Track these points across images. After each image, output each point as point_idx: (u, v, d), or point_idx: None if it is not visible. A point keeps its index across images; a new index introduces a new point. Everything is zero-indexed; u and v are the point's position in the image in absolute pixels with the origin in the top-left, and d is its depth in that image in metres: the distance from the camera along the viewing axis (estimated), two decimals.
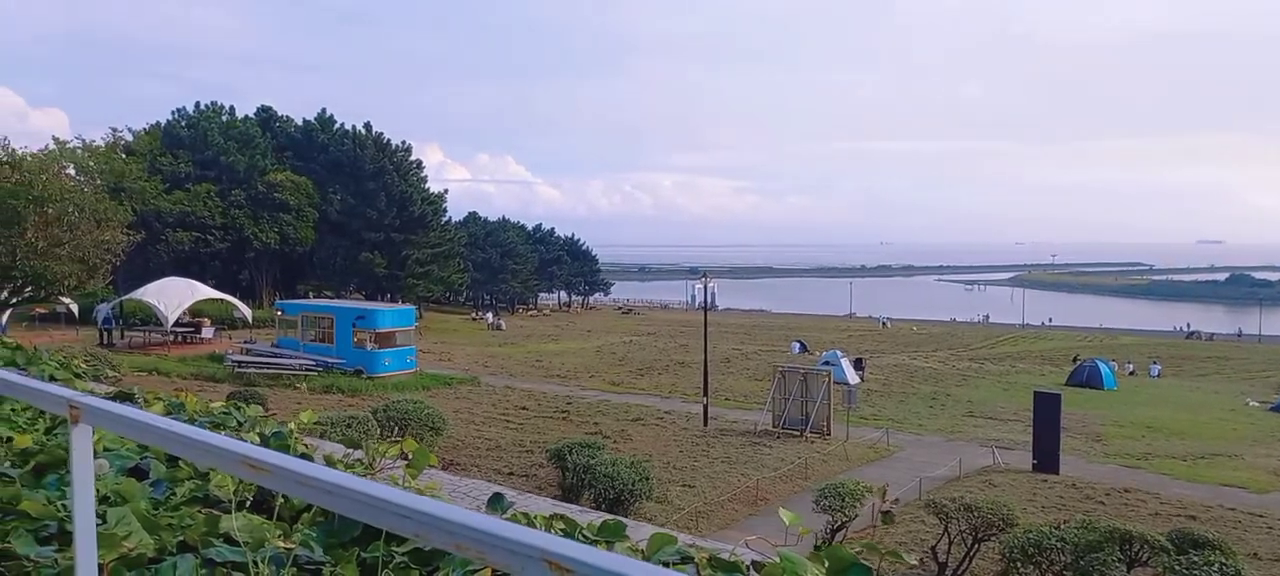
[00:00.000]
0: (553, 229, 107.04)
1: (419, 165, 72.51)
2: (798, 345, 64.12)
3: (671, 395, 38.66)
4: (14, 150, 30.18)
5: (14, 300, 33.61)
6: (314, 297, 56.86)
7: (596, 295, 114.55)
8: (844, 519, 17.80)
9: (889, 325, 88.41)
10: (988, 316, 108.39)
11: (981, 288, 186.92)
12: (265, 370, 35.66)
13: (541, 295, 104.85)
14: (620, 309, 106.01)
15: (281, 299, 50.65)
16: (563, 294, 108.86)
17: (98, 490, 3.17)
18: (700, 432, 30.31)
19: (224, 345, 41.77)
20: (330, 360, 37.20)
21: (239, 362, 36.06)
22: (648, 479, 20.19)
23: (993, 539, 16.97)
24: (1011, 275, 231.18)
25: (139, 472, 3.32)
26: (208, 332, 44.42)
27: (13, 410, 5.01)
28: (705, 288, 38.33)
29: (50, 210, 29.38)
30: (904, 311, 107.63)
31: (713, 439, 29.35)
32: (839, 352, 49.24)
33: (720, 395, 37.37)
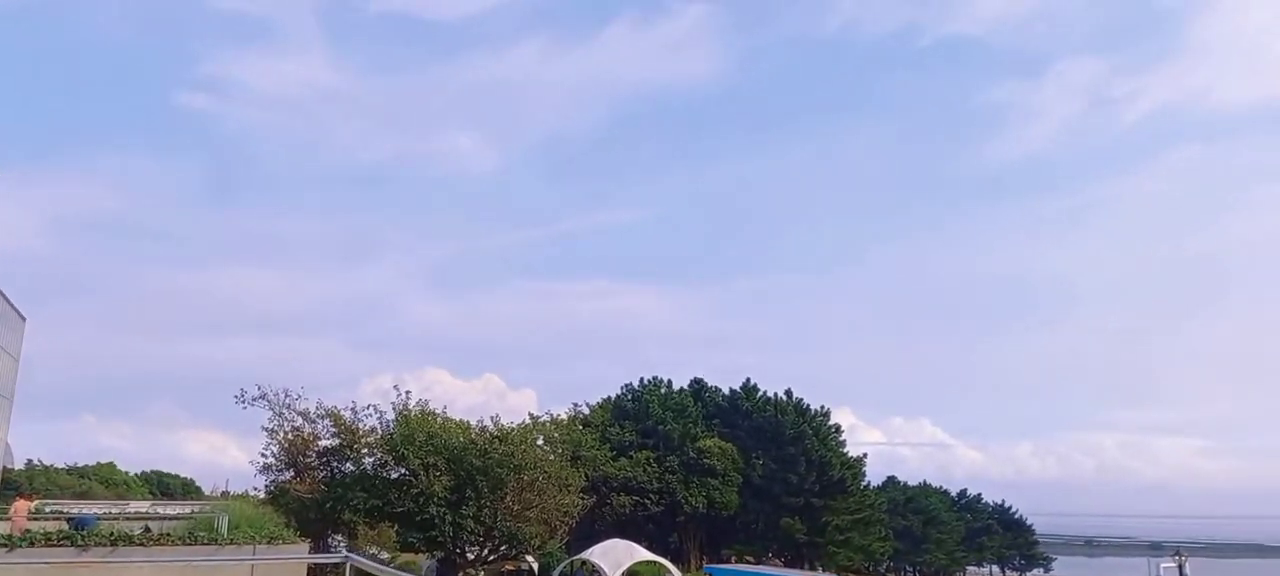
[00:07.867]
0: (980, 495, 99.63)
1: (837, 429, 72.48)
2: None
3: None
4: (502, 425, 35.53)
5: (490, 558, 38.67)
6: (737, 562, 57.73)
7: (1035, 571, 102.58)
8: None
9: None
10: None
11: None
12: None
13: (970, 569, 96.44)
14: None
15: (708, 564, 52.24)
16: (995, 568, 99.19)
17: None
18: None
19: None
20: None
21: None
22: None
23: None
24: None
25: None
26: None
27: None
28: (1180, 568, 32.52)
29: (525, 476, 33.97)
30: None
31: None
32: None
33: None
